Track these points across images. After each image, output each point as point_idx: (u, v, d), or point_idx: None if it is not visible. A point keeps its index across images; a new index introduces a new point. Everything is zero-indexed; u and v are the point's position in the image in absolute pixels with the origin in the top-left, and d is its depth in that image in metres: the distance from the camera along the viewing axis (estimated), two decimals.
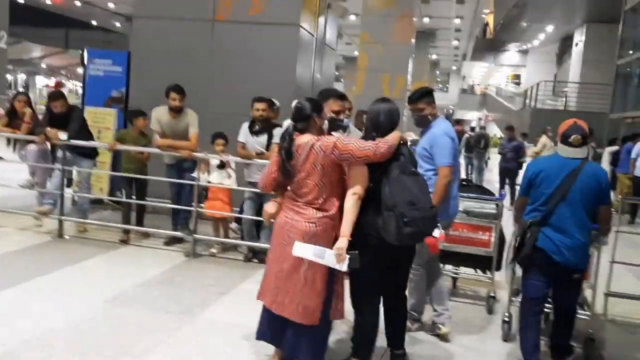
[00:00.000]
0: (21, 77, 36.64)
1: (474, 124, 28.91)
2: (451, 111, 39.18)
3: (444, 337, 3.80)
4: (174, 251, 5.57)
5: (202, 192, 5.61)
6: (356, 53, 24.35)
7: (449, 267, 4.77)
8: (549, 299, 3.53)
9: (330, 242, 2.90)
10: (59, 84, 22.54)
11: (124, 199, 5.88)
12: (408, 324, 3.55)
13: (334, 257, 2.81)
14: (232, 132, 5.44)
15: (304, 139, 2.94)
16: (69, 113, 5.87)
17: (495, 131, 31.81)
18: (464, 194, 4.36)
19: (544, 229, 3.24)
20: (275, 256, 3.02)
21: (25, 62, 34.21)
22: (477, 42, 31.54)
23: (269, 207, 3.19)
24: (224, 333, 3.69)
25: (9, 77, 30.32)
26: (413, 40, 17.94)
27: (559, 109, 20.49)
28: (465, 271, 4.83)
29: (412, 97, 3.80)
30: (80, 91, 7.74)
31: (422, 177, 3.02)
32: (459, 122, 18.93)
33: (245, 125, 5.34)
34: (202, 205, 5.60)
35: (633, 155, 9.43)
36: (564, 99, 21.36)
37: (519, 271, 3.69)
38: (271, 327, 3.06)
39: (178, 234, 5.73)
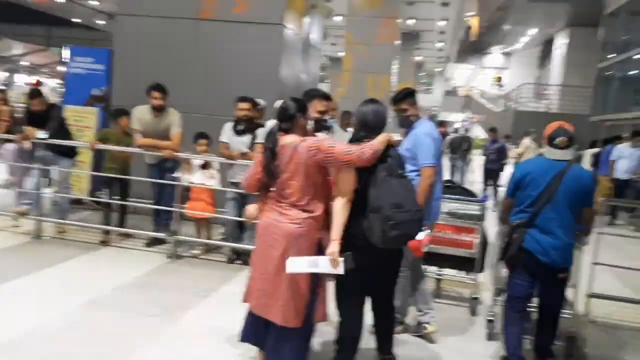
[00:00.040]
0: (1, 74, 36.01)
1: (457, 126, 29.12)
2: (435, 113, 39.38)
3: (430, 337, 3.80)
4: (155, 252, 5.48)
5: (185, 192, 5.53)
6: (341, 54, 24.37)
7: (432, 268, 4.76)
8: (533, 298, 3.57)
9: (314, 244, 2.87)
10: (38, 83, 22.19)
11: (104, 199, 5.78)
12: None
13: (328, 263, 2.80)
14: (216, 132, 5.38)
15: (288, 139, 2.91)
16: (48, 111, 5.76)
17: (478, 133, 32.06)
18: (448, 196, 4.36)
19: (530, 230, 3.30)
20: (259, 258, 2.98)
21: (5, 59, 33.64)
22: (461, 45, 31.79)
23: (252, 208, 3.15)
24: (206, 336, 3.64)
25: None
26: (398, 42, 18.01)
27: (541, 111, 20.73)
28: (449, 272, 4.82)
29: (395, 98, 3.79)
30: (62, 89, 7.64)
31: (410, 180, 3.00)
32: (442, 123, 19.04)
33: (228, 125, 5.29)
34: (185, 205, 5.52)
35: (613, 157, 9.56)
36: (546, 101, 21.62)
37: (502, 271, 3.75)
38: (255, 329, 3.03)
39: (160, 235, 5.65)
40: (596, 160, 10.50)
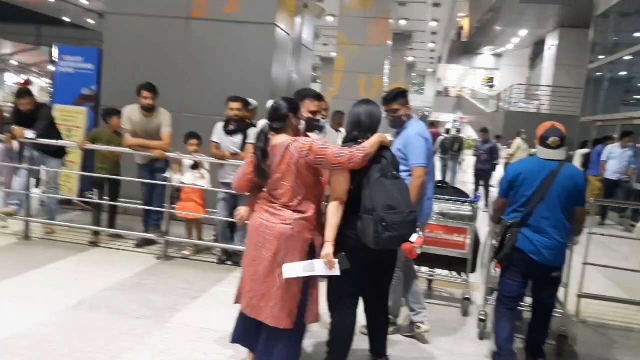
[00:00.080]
0: None
1: (449, 126, 29.21)
2: (427, 113, 39.50)
3: (422, 336, 3.81)
4: (145, 253, 5.43)
5: (175, 193, 5.49)
6: (333, 54, 24.37)
7: (424, 269, 4.76)
8: (526, 298, 3.63)
9: (306, 244, 2.85)
10: (27, 82, 21.98)
11: (93, 200, 5.73)
12: None
13: (323, 266, 2.79)
14: (207, 132, 5.35)
15: (280, 139, 2.89)
16: (37, 111, 5.69)
17: (470, 133, 32.18)
18: (440, 196, 4.35)
19: (523, 229, 3.34)
20: (250, 259, 2.95)
21: None
22: (453, 45, 31.90)
23: (243, 210, 3.13)
24: (196, 337, 3.60)
25: None
26: (390, 42, 18.02)
27: (532, 111, 20.83)
28: (441, 273, 4.82)
29: (387, 98, 3.78)
30: (52, 89, 7.52)
31: (403, 181, 2.99)
32: (433, 124, 19.11)
33: (219, 125, 5.26)
34: (175, 206, 5.48)
35: (603, 157, 9.62)
36: (537, 102, 21.74)
37: (494, 271, 3.78)
38: (246, 331, 3.01)
39: (149, 235, 5.60)
40: (586, 160, 10.56)
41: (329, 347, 3.09)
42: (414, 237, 2.87)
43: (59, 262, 4.97)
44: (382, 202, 2.74)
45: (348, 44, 16.89)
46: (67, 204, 6.89)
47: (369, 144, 2.86)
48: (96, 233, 5.69)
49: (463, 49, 32.18)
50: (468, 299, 4.46)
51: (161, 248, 5.35)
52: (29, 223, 5.66)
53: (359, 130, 3.01)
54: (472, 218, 4.39)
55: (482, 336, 3.97)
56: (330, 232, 2.81)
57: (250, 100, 5.46)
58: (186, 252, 5.50)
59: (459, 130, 24.89)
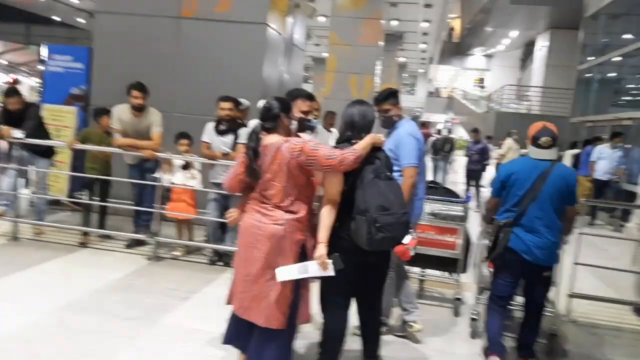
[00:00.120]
0: None
1: (440, 127, 29.32)
2: (418, 114, 39.59)
3: (415, 336, 3.81)
4: (135, 254, 5.39)
5: (165, 193, 5.45)
6: (325, 54, 24.37)
7: (415, 269, 4.76)
8: (519, 298, 3.67)
9: (297, 245, 2.84)
10: (15, 81, 21.77)
11: (83, 200, 5.68)
12: None
13: (317, 267, 2.78)
14: (198, 132, 5.32)
15: (271, 139, 2.88)
16: (25, 110, 5.64)
17: (461, 134, 32.32)
18: (432, 197, 4.36)
19: (516, 229, 3.37)
20: (241, 260, 2.93)
21: None
22: (444, 46, 32.01)
23: (234, 213, 3.11)
24: (187, 339, 3.58)
25: None
26: (381, 43, 18.04)
27: (522, 112, 20.95)
28: (432, 273, 4.83)
29: (378, 99, 3.78)
30: (41, 88, 7.44)
31: (397, 182, 2.99)
32: (424, 124, 19.15)
33: (210, 125, 5.23)
34: (165, 206, 5.44)
35: (593, 158, 9.69)
36: (528, 102, 21.86)
37: (485, 270, 3.82)
38: (238, 332, 2.99)
39: (140, 236, 5.56)
40: (576, 161, 10.63)
41: (321, 347, 3.08)
42: (407, 239, 2.87)
43: (48, 263, 4.93)
44: (375, 203, 2.74)
45: (340, 44, 16.89)
46: (56, 204, 6.83)
47: (361, 146, 2.86)
48: (86, 234, 5.64)
49: (454, 49, 32.31)
50: (459, 299, 4.47)
51: (151, 249, 5.31)
52: (17, 224, 5.59)
53: (352, 130, 3.01)
54: (463, 218, 4.40)
55: (474, 335, 3.99)
56: (323, 233, 2.81)
57: (242, 100, 5.44)
58: (177, 253, 5.47)
59: (450, 131, 24.98)
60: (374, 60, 17.01)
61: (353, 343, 3.33)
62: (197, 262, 5.35)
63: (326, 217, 2.82)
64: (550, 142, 3.38)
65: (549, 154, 3.39)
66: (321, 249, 2.79)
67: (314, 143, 2.85)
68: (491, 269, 3.62)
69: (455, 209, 4.47)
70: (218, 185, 5.12)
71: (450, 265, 4.46)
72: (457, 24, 29.63)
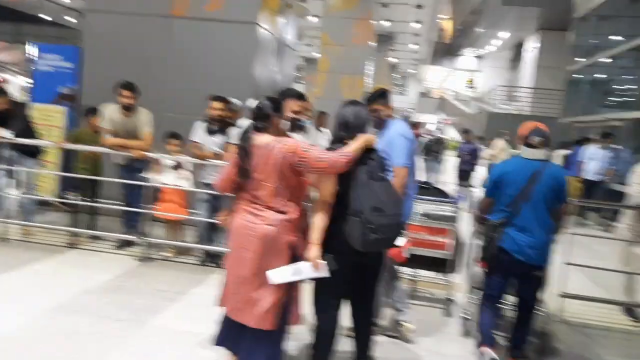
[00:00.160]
0: None
1: (429, 127, 29.39)
2: (410, 114, 39.69)
3: (407, 336, 3.81)
4: (125, 255, 5.34)
5: (155, 193, 5.40)
6: (317, 55, 24.36)
7: (406, 269, 4.75)
8: (510, 296, 3.69)
9: (288, 246, 2.83)
10: (2, 80, 21.54)
11: (72, 201, 5.62)
12: None
13: (311, 268, 2.77)
14: (188, 132, 5.29)
15: (263, 139, 2.86)
16: (13, 110, 5.57)
17: (452, 134, 32.45)
18: (424, 197, 4.36)
19: (508, 229, 3.40)
20: (233, 261, 2.91)
21: None
22: (435, 47, 32.11)
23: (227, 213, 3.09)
24: (177, 340, 3.55)
25: None
26: (373, 43, 18.07)
27: (513, 113, 21.08)
28: (423, 274, 4.82)
29: (368, 99, 3.77)
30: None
31: (391, 183, 2.98)
32: (415, 125, 19.20)
33: (199, 125, 5.20)
34: (155, 207, 5.40)
35: (582, 158, 9.74)
36: (519, 103, 21.98)
37: (476, 269, 3.86)
38: (230, 334, 2.97)
39: (129, 237, 5.51)
40: (566, 161, 10.68)
41: (313, 348, 3.06)
42: (400, 241, 2.87)
43: (37, 264, 4.87)
44: (369, 204, 2.73)
45: (332, 45, 16.89)
46: (45, 204, 6.75)
47: (353, 148, 2.84)
48: (75, 234, 5.58)
49: (446, 50, 32.46)
50: (450, 300, 4.47)
51: (141, 250, 5.27)
52: (5, 224, 5.52)
53: (346, 131, 2.99)
54: (454, 218, 4.40)
55: (465, 334, 4.01)
56: (316, 233, 2.80)
57: (234, 100, 5.41)
58: (167, 254, 5.43)
59: (441, 131, 25.07)
60: (366, 60, 17.04)
61: (344, 344, 3.31)
62: (187, 263, 5.32)
63: (319, 217, 2.81)
64: (543, 142, 3.42)
65: (542, 154, 3.43)
66: (314, 251, 2.78)
67: (305, 144, 2.84)
68: (483, 269, 3.64)
69: (446, 210, 4.47)
70: (208, 186, 5.09)
71: (441, 265, 4.46)
72: (448, 25, 29.74)
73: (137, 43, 6.91)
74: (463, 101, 31.96)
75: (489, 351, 3.45)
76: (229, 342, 3.00)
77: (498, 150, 11.61)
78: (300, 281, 2.94)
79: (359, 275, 3.02)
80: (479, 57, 33.22)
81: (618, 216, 5.08)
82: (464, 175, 11.00)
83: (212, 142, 5.13)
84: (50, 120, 6.98)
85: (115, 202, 5.71)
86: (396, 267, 3.95)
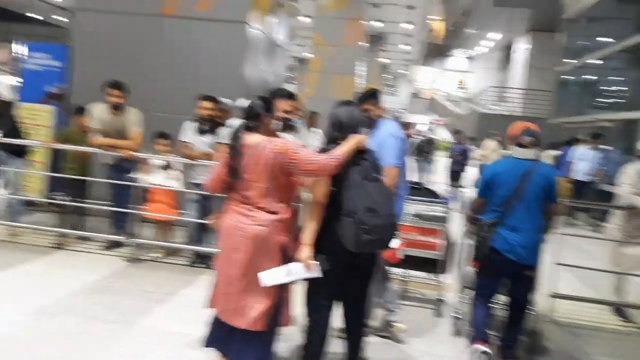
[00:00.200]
0: None
1: (420, 128, 29.41)
2: (401, 114, 39.77)
3: (398, 336, 3.81)
4: (113, 256, 5.28)
5: (144, 193, 5.35)
6: (309, 55, 24.34)
7: (397, 270, 4.74)
8: (502, 296, 3.72)
9: (280, 247, 2.81)
10: None
11: (60, 201, 5.55)
12: None
13: (303, 269, 2.77)
14: (178, 132, 5.24)
15: (253, 139, 2.84)
16: (0, 109, 5.50)
17: (444, 135, 32.58)
18: (415, 197, 4.36)
19: (500, 229, 3.43)
20: (223, 262, 2.88)
21: None
22: (426, 48, 32.22)
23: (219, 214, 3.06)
24: (165, 342, 3.51)
25: None
26: (364, 44, 18.09)
27: (504, 114, 21.18)
28: (414, 274, 4.81)
29: (359, 99, 3.76)
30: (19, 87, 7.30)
31: (385, 184, 2.96)
32: (406, 125, 19.24)
33: (188, 124, 5.16)
34: (144, 207, 5.34)
35: (571, 159, 9.79)
36: (509, 104, 22.09)
37: (468, 269, 3.89)
38: (219, 335, 2.94)
39: (118, 237, 5.45)
40: (556, 162, 10.73)
41: (304, 349, 3.03)
42: (395, 243, 2.85)
43: (23, 265, 4.81)
44: (362, 204, 2.72)
45: (323, 45, 16.89)
46: (32, 205, 6.67)
47: (343, 151, 2.82)
48: (63, 235, 5.52)
49: (437, 51, 32.59)
50: (441, 300, 4.46)
51: (130, 250, 5.21)
52: None
53: (340, 131, 2.98)
54: (445, 219, 4.40)
55: (457, 333, 4.02)
56: (308, 234, 2.79)
57: (224, 100, 5.37)
58: (156, 255, 5.38)
59: (432, 131, 25.15)
60: (357, 61, 17.06)
61: (336, 345, 3.29)
62: (176, 263, 5.27)
63: (311, 218, 2.79)
64: (534, 142, 3.46)
65: (532, 154, 3.47)
66: (306, 252, 2.76)
67: (296, 146, 2.81)
68: (475, 268, 3.66)
69: (437, 210, 4.46)
70: (198, 186, 5.05)
71: (432, 266, 4.45)
72: (439, 26, 29.84)
73: (127, 42, 6.85)
74: (454, 102, 32.09)
75: (481, 346, 3.46)
76: (219, 343, 2.97)
77: (489, 151, 11.65)
78: (292, 282, 2.92)
79: (351, 276, 3.00)
80: (469, 58, 33.37)
81: (607, 216, 5.10)
82: (455, 175, 11.04)
83: (202, 142, 5.09)
84: (38, 120, 6.91)
85: (103, 202, 5.65)
86: (387, 267, 3.94)
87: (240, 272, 2.78)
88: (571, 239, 4.62)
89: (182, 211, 5.44)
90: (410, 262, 4.47)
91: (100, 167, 5.55)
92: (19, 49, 7.48)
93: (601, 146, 9.89)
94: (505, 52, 26.87)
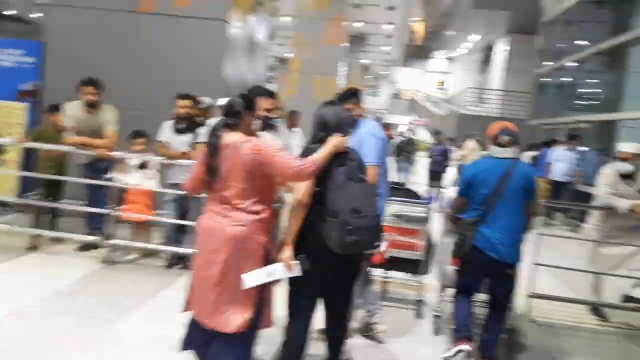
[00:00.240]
0: None
1: (401, 129, 29.60)
2: (381, 115, 39.95)
3: (379, 336, 3.80)
4: (88, 258, 5.16)
5: (120, 194, 5.24)
6: (289, 54, 24.29)
7: (378, 270, 4.72)
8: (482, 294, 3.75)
9: (260, 247, 2.75)
10: None
11: (33, 201, 5.41)
12: None
13: (284, 269, 2.74)
14: (156, 130, 5.16)
15: (232, 138, 2.78)
16: None
17: (424, 136, 32.82)
18: (395, 198, 4.34)
19: (481, 227, 3.46)
20: (200, 263, 2.82)
21: None
22: (407, 49, 32.42)
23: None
24: (141, 346, 3.44)
25: None
26: (345, 44, 18.11)
27: (483, 114, 21.40)
28: (394, 275, 4.80)
29: (339, 98, 3.73)
30: None
31: (370, 185, 2.93)
32: (386, 126, 19.31)
33: (167, 124, 5.07)
34: (120, 208, 5.23)
35: (549, 160, 9.91)
36: (488, 105, 22.32)
37: (448, 268, 3.91)
38: (197, 337, 2.87)
39: (93, 238, 5.33)
40: (534, 163, 10.85)
41: (283, 351, 2.98)
42: (383, 246, 2.83)
43: None
44: (347, 205, 2.68)
45: (304, 45, 16.86)
46: (4, 205, 6.49)
47: (321, 155, 2.77)
48: (36, 236, 5.37)
49: (417, 52, 32.81)
50: (421, 301, 4.45)
51: (106, 252, 5.10)
52: None
53: (325, 130, 2.93)
54: (426, 219, 4.39)
55: (437, 332, 4.04)
56: (289, 234, 2.75)
57: (203, 99, 5.29)
58: (132, 256, 5.27)
59: (413, 132, 25.30)
60: (338, 61, 17.07)
61: (315, 347, 3.25)
62: (153, 265, 5.17)
63: (293, 218, 2.75)
64: (512, 140, 3.51)
65: (510, 152, 3.51)
66: (287, 252, 2.73)
67: (274, 149, 2.76)
68: (455, 267, 3.67)
69: (418, 210, 4.46)
70: (175, 186, 4.96)
71: (413, 266, 4.44)
72: (419, 27, 30.03)
73: (103, 38, 6.74)
74: (434, 103, 32.33)
75: (464, 346, 3.47)
76: (197, 346, 2.90)
77: (469, 151, 11.72)
78: (273, 283, 2.86)
79: (335, 276, 2.96)
80: (450, 59, 33.64)
81: (585, 217, 5.16)
82: (435, 175, 11.09)
83: (180, 141, 5.00)
84: (11, 117, 6.72)
85: (78, 202, 5.52)
86: (368, 268, 3.92)
87: (218, 273, 2.72)
88: (549, 239, 4.65)
89: (160, 212, 5.33)
90: (390, 263, 4.46)
91: (76, 166, 5.42)
92: None
93: (578, 147, 10.03)
94: (485, 53, 27.14)
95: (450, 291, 3.85)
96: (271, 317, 2.96)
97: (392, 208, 4.36)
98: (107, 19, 6.76)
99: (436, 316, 4.11)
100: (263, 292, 2.83)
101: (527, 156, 11.44)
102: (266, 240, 2.79)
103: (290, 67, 17.68)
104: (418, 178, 13.28)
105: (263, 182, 2.78)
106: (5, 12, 28.85)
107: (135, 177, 5.20)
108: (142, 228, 5.42)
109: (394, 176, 12.27)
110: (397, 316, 4.37)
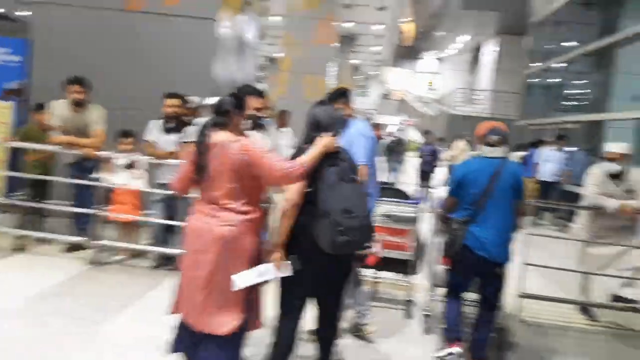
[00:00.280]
0: None
1: (390, 129, 29.65)
2: (371, 115, 39.99)
3: (368, 337, 3.80)
4: (75, 259, 5.10)
5: (107, 193, 5.18)
6: (279, 54, 24.24)
7: (368, 271, 4.70)
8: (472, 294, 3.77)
9: (250, 247, 2.73)
10: None
11: (18, 201, 5.34)
12: None
13: (274, 269, 2.73)
14: (142, 129, 5.10)
15: (221, 137, 2.74)
16: None
17: (414, 136, 32.89)
18: (385, 198, 4.33)
19: (471, 226, 3.47)
20: (189, 264, 2.78)
21: None
22: (397, 49, 32.49)
23: None
24: (129, 347, 3.40)
25: None
26: (335, 44, 18.11)
27: (472, 115, 21.51)
28: (384, 275, 4.79)
29: (329, 98, 3.72)
30: None
31: (361, 185, 2.91)
32: (376, 126, 19.34)
33: (153, 123, 5.03)
34: (107, 208, 5.17)
35: (537, 160, 9.97)
36: (478, 105, 22.44)
37: (438, 267, 3.94)
38: (186, 339, 2.84)
39: (80, 239, 5.26)
40: (523, 163, 10.90)
41: (272, 351, 2.96)
42: (376, 247, 2.82)
43: None
44: (338, 206, 2.66)
45: (294, 45, 16.84)
46: None
47: (310, 157, 2.75)
48: (22, 237, 5.30)
49: (407, 52, 32.90)
50: (411, 301, 4.45)
51: (93, 253, 5.04)
52: None
53: (317, 130, 2.92)
54: (415, 219, 4.38)
55: (427, 331, 4.05)
56: (281, 234, 2.73)
57: (192, 98, 5.25)
58: (120, 257, 5.22)
59: (402, 132, 25.37)
60: (329, 61, 17.07)
61: (307, 348, 3.23)
62: (141, 266, 5.12)
63: (283, 218, 2.73)
64: (500, 140, 3.53)
65: (499, 152, 3.53)
66: (277, 251, 2.71)
67: (263, 150, 2.73)
68: (445, 266, 3.69)
69: (407, 210, 4.45)
70: (163, 186, 4.91)
71: (402, 266, 4.43)
72: (409, 28, 30.10)
73: (91, 37, 6.68)
74: (424, 103, 32.43)
75: (455, 348, 3.49)
76: (186, 348, 2.87)
77: (458, 151, 11.76)
78: (263, 283, 2.84)
79: (326, 277, 2.94)
80: (439, 59, 33.77)
81: (573, 217, 5.18)
82: (425, 175, 11.12)
83: (167, 141, 4.96)
84: None
85: (65, 202, 5.46)
86: (358, 269, 3.91)
87: (207, 274, 2.69)
88: (538, 239, 4.67)
89: (147, 212, 5.28)
90: (380, 263, 4.45)
91: (63, 166, 5.36)
92: None
93: (566, 147, 10.10)
94: (474, 54, 27.28)
95: (441, 290, 3.85)
96: (261, 318, 2.93)
97: (382, 208, 4.35)
98: (95, 17, 6.71)
99: (426, 316, 4.12)
100: (252, 294, 2.80)
101: (515, 156, 11.50)
102: (256, 240, 2.77)
103: (281, 67, 17.65)
104: (408, 178, 13.30)
105: (251, 183, 2.75)
106: None
107: (122, 176, 5.15)
108: (129, 228, 5.36)
109: (383, 176, 12.29)
110: (386, 316, 4.36)
